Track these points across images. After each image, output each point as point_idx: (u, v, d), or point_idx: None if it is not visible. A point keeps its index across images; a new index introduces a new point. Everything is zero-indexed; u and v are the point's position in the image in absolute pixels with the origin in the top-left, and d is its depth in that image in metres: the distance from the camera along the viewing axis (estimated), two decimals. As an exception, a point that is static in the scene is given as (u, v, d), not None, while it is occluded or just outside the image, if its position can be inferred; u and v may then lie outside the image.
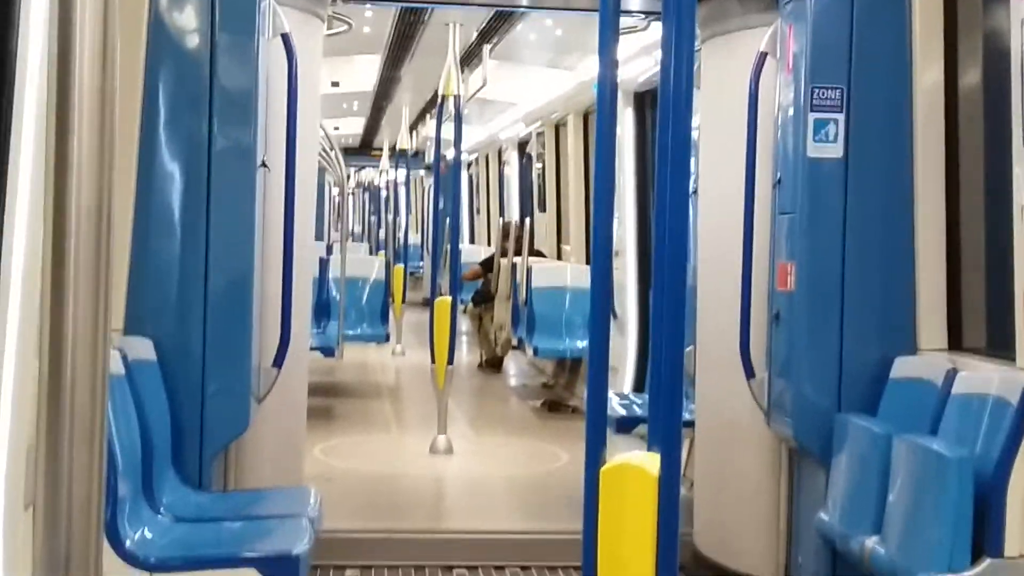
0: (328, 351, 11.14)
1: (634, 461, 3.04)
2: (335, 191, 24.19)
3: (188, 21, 5.23)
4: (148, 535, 4.58)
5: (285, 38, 5.47)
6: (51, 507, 1.74)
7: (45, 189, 1.75)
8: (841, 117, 5.40)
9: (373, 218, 28.70)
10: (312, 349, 10.39)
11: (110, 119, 1.73)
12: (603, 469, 3.08)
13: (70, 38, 1.68)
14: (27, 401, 1.82)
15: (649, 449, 3.03)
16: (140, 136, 5.15)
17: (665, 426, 3.00)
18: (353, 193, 32.26)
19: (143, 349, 5.07)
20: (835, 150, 5.41)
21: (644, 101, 10.40)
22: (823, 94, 5.40)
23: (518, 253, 12.93)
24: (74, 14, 1.68)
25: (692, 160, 6.77)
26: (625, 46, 9.29)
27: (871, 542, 4.62)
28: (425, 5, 9.45)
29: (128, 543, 4.36)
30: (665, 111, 3.16)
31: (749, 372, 5.78)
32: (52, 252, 1.73)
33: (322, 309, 12.11)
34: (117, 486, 4.33)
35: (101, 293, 1.77)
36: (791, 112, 5.55)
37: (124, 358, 4.81)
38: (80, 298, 1.74)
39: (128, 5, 5.12)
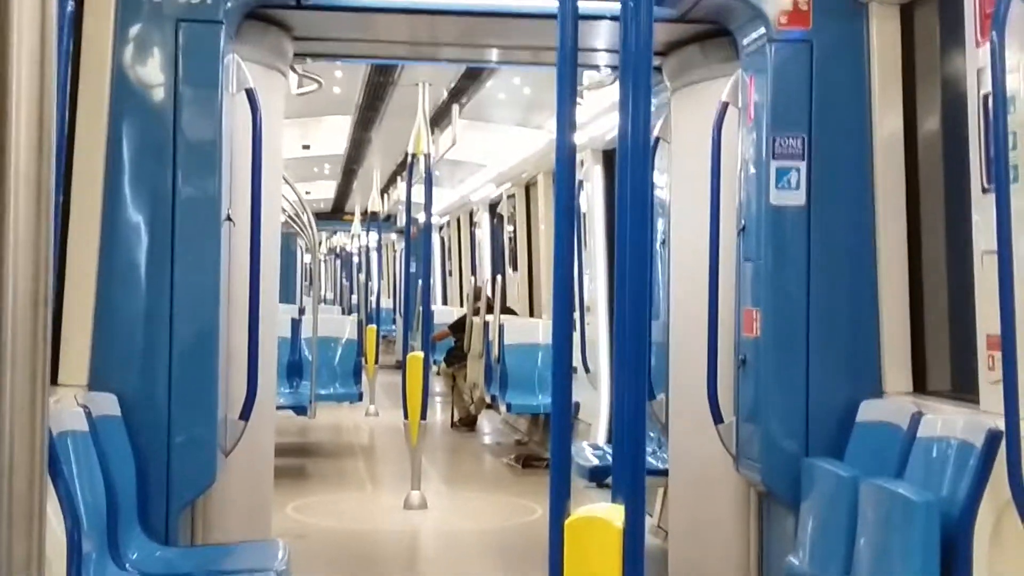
0: (301, 410, 11.10)
1: (598, 513, 3.04)
2: (307, 256, 24.21)
3: (152, 74, 5.26)
4: (114, 592, 4.52)
5: (249, 93, 5.50)
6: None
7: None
8: (803, 165, 5.46)
9: (346, 283, 28.71)
10: (285, 408, 10.37)
11: (46, 190, 1.69)
12: (567, 521, 3.07)
13: (6, 92, 1.66)
14: None
15: (613, 500, 3.03)
16: (104, 188, 5.15)
17: (629, 476, 3.01)
18: (325, 260, 32.28)
19: (107, 405, 5.04)
20: (798, 197, 5.47)
21: (613, 159, 10.46)
22: (785, 142, 5.46)
23: (490, 311, 12.95)
24: (9, 71, 1.66)
25: (662, 212, 6.83)
26: (592, 104, 9.40)
27: (840, 585, 4.61)
28: (393, 62, 9.52)
29: (93, 600, 4.31)
30: (623, 164, 3.20)
31: (718, 417, 5.78)
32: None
33: (294, 369, 12.08)
34: (81, 543, 4.27)
35: (39, 367, 1.70)
36: (753, 160, 5.61)
37: (88, 414, 4.77)
38: (17, 359, 1.68)
39: (91, 58, 5.16)
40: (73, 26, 4.96)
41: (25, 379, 1.67)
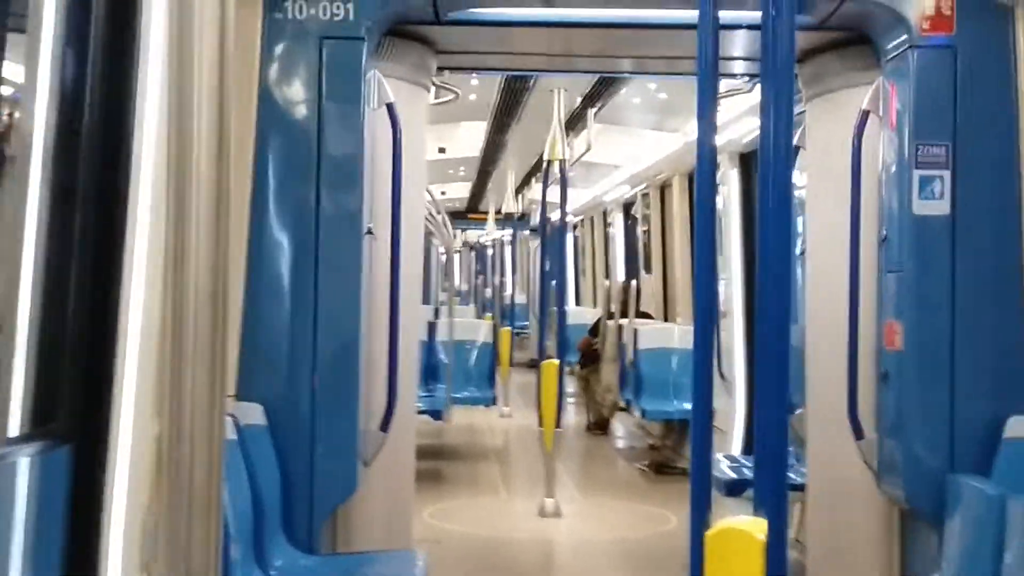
0: (436, 414, 11.22)
1: (740, 525, 3.03)
2: (442, 254, 24.43)
3: (296, 92, 5.38)
4: (260, 598, 4.65)
5: (390, 107, 5.59)
6: (169, 572, 1.78)
7: (164, 258, 1.80)
8: (947, 174, 5.34)
9: (479, 278, 28.90)
10: (420, 412, 10.49)
11: (225, 196, 1.79)
12: (709, 533, 3.07)
13: (187, 122, 1.75)
14: (143, 465, 1.86)
15: (755, 514, 3.02)
16: (251, 204, 5.29)
17: (771, 490, 2.99)
18: (460, 253, 32.56)
19: (254, 414, 5.17)
20: (942, 207, 5.35)
21: (750, 161, 10.38)
22: (928, 151, 5.35)
23: (624, 315, 12.92)
24: (191, 90, 1.76)
25: (799, 220, 6.75)
26: (729, 107, 9.33)
27: (987, 606, 4.51)
28: (529, 73, 9.58)
29: (240, 605, 4.43)
30: (765, 171, 3.19)
31: (858, 433, 5.69)
32: (171, 318, 1.78)
33: (430, 372, 12.21)
34: (229, 550, 4.40)
35: (217, 359, 1.81)
36: (895, 169, 5.51)
37: (236, 423, 4.91)
38: (198, 364, 1.78)
39: (239, 79, 5.29)
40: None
41: (205, 384, 1.78)
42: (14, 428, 1.80)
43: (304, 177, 5.34)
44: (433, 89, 6.79)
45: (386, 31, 5.63)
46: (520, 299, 24.96)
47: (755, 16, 3.27)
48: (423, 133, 6.39)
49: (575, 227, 22.42)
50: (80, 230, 1.83)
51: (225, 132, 1.80)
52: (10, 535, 1.68)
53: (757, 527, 2.97)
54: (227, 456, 4.60)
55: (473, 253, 32.42)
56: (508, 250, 24.49)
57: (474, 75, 9.43)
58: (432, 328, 12.67)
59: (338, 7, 5.34)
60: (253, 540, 4.81)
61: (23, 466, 1.73)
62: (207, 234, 1.78)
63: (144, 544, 1.83)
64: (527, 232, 25.64)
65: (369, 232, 5.47)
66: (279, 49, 5.36)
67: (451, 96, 7.12)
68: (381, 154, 5.62)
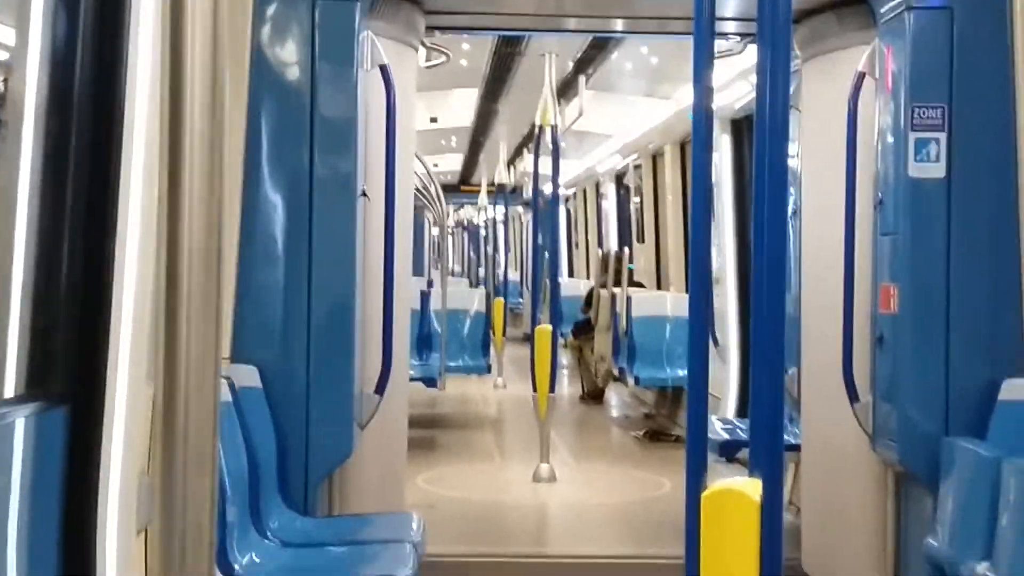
0: (431, 382, 11.22)
1: (736, 486, 3.02)
2: (434, 229, 24.40)
3: (289, 54, 5.34)
4: (257, 560, 4.65)
5: (383, 69, 5.55)
6: (166, 532, 1.77)
7: (158, 220, 1.79)
8: (943, 136, 5.33)
9: (473, 256, 28.87)
10: (415, 380, 10.50)
11: (219, 156, 1.77)
12: (704, 494, 3.07)
13: (181, 81, 1.74)
14: (139, 426, 1.85)
15: (751, 475, 3.02)
16: (244, 167, 5.26)
17: (766, 451, 2.99)
18: (453, 232, 32.52)
19: (249, 376, 5.16)
20: (937, 170, 5.34)
21: (742, 128, 10.35)
22: (924, 113, 5.33)
23: (617, 284, 12.92)
24: (184, 53, 1.73)
25: (792, 182, 6.73)
26: (721, 71, 9.26)
27: (982, 568, 4.52)
28: (519, 33, 9.51)
29: (237, 568, 4.44)
30: (761, 134, 3.16)
31: (853, 396, 5.70)
32: (165, 279, 1.78)
33: (424, 341, 12.22)
34: (226, 511, 4.40)
35: (211, 320, 1.81)
36: (891, 132, 5.49)
37: (231, 385, 4.90)
38: (193, 325, 1.78)
39: (232, 41, 5.25)
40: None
41: (199, 338, 1.80)
42: (11, 389, 1.79)
43: (297, 140, 5.31)
44: (424, 51, 6.75)
45: (379, -9, 5.60)
46: (513, 277, 24.95)
47: (749, -25, 3.23)
48: (412, 95, 6.35)
49: (567, 200, 22.39)
50: (74, 193, 1.82)
51: (219, 91, 1.79)
52: (8, 495, 1.68)
53: (753, 488, 2.97)
54: (223, 418, 4.60)
55: (466, 233, 32.38)
56: (501, 229, 24.46)
57: (465, 35, 9.37)
58: (425, 298, 12.66)
59: (332, -33, 5.30)
60: (249, 502, 4.81)
61: (20, 426, 1.73)
62: (201, 194, 1.78)
63: (140, 504, 1.83)
64: (520, 208, 25.60)
65: (364, 195, 5.45)
66: (271, 10, 5.32)
67: (442, 58, 7.08)
68: (374, 116, 5.59)
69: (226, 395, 4.79)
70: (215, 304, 1.82)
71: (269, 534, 4.88)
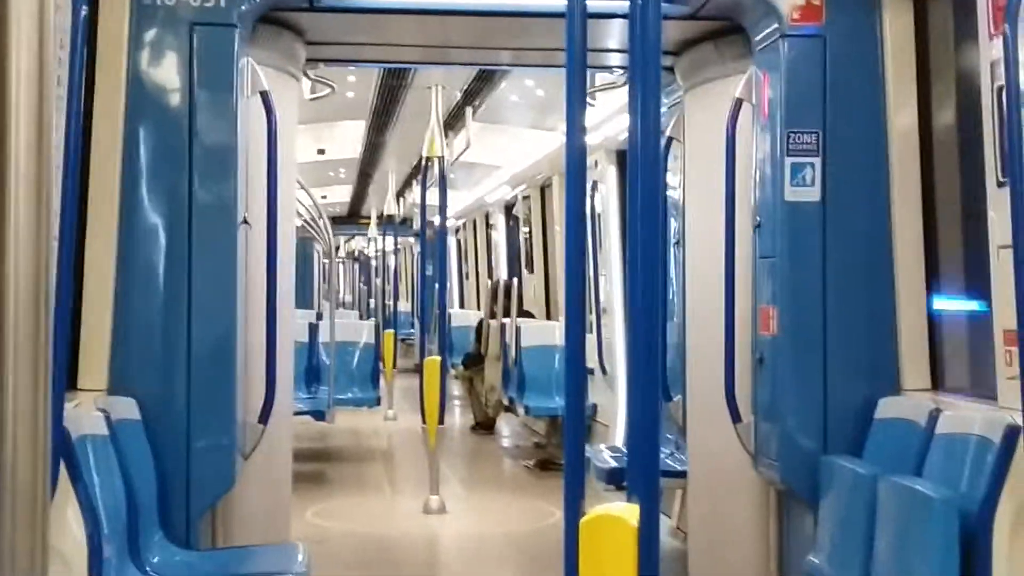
0: (319, 415, 11.10)
1: (613, 512, 3.03)
2: (325, 260, 24.21)
3: (167, 78, 5.27)
4: (135, 595, 4.54)
5: (264, 96, 5.51)
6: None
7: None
8: (818, 161, 5.44)
9: (363, 287, 28.73)
10: (303, 413, 10.38)
11: (46, 192, 1.68)
12: (582, 521, 3.07)
13: (5, 98, 1.67)
14: None
15: (628, 500, 3.03)
16: (121, 192, 5.17)
17: (643, 476, 3.01)
18: (343, 263, 32.34)
19: (126, 409, 5.05)
20: (813, 193, 5.45)
21: (627, 159, 10.46)
22: (799, 138, 5.45)
23: (507, 314, 12.94)
24: (6, 83, 1.66)
25: (676, 213, 6.82)
26: (606, 103, 9.38)
27: (860, 583, 4.59)
28: (406, 66, 9.53)
29: (115, 603, 4.32)
30: (634, 165, 3.20)
31: (736, 417, 5.77)
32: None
33: (312, 374, 12.09)
34: (102, 547, 4.28)
35: (41, 360, 1.71)
36: (768, 157, 5.60)
37: (107, 418, 4.79)
38: (20, 365, 1.68)
39: (107, 62, 5.17)
40: (88, 31, 4.97)
41: (28, 380, 1.68)
42: None
43: (176, 166, 5.23)
44: (309, 84, 6.72)
45: (259, 17, 5.54)
46: (405, 308, 24.85)
47: (626, 5, 3.26)
48: (294, 124, 6.31)
49: (457, 231, 22.42)
50: None
51: (45, 128, 1.70)
52: None
53: (630, 513, 2.99)
54: (97, 452, 4.47)
55: (357, 265, 32.25)
56: (391, 260, 24.43)
57: (350, 67, 9.34)
58: (314, 330, 12.55)
59: (210, -7, 5.25)
60: (128, 537, 4.70)
61: None
62: (27, 234, 1.68)
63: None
64: (411, 239, 25.56)
65: (245, 222, 5.39)
66: (149, 35, 5.25)
67: (327, 91, 7.05)
68: (255, 144, 5.53)
69: (102, 429, 4.68)
70: (44, 344, 1.68)
71: (149, 569, 4.77)
